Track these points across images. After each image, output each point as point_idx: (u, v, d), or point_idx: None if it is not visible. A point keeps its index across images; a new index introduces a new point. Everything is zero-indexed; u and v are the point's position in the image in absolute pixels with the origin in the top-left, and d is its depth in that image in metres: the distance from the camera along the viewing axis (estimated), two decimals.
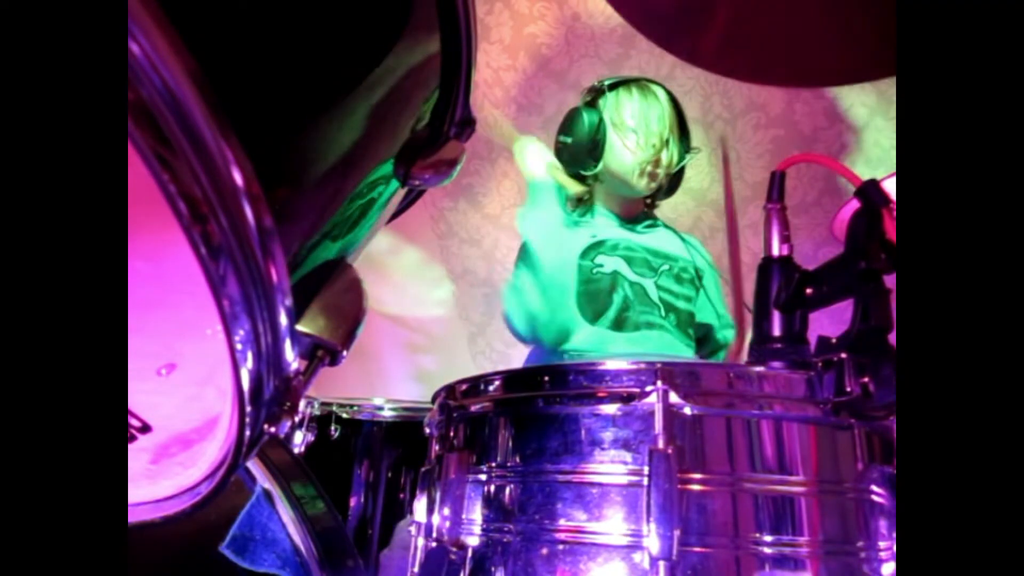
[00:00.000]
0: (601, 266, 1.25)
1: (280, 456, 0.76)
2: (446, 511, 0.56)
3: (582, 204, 1.37)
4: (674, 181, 1.38)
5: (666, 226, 1.39)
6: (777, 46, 0.76)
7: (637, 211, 1.38)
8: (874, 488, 0.49)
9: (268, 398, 0.29)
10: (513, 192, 1.97)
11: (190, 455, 0.35)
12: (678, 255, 1.33)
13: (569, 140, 1.26)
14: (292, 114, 0.31)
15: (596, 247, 1.27)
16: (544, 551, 0.50)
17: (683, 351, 1.27)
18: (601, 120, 1.26)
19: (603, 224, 1.33)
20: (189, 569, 0.70)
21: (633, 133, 1.27)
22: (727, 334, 1.37)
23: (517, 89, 1.89)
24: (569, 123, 1.28)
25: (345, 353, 0.36)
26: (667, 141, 1.29)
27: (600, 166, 1.27)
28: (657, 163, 1.28)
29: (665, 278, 1.29)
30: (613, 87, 1.31)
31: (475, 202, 2.00)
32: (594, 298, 1.23)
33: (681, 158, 1.33)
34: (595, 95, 1.32)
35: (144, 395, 0.33)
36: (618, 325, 1.22)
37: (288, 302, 0.27)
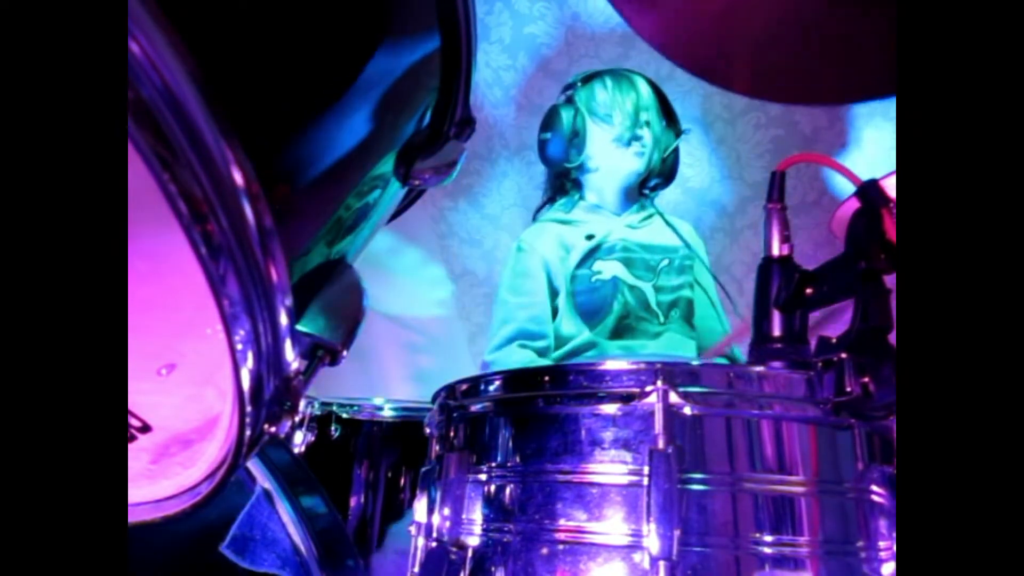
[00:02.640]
0: (600, 272, 1.25)
1: (280, 456, 0.76)
2: (446, 511, 0.56)
3: (569, 187, 1.38)
4: (670, 170, 1.35)
5: (661, 214, 1.34)
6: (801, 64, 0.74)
7: (632, 203, 1.36)
8: (874, 488, 0.49)
9: (268, 398, 0.29)
10: (513, 192, 1.97)
11: (190, 455, 0.35)
12: (676, 245, 1.31)
13: (549, 135, 1.29)
14: (292, 114, 0.31)
15: (593, 253, 1.26)
16: (544, 551, 0.50)
17: (686, 349, 1.25)
18: (578, 111, 1.28)
19: (597, 220, 1.32)
20: (189, 569, 0.70)
21: (609, 116, 1.27)
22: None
23: (517, 89, 1.89)
24: (547, 120, 1.31)
25: (345, 353, 0.36)
26: (646, 122, 1.28)
27: (583, 156, 1.29)
28: (638, 138, 1.27)
29: (665, 275, 1.27)
30: (587, 80, 1.33)
31: (475, 202, 2.00)
32: (594, 306, 1.22)
33: (669, 140, 1.32)
34: (571, 91, 1.34)
35: (144, 395, 0.33)
36: (617, 333, 1.21)
37: (288, 302, 0.27)
